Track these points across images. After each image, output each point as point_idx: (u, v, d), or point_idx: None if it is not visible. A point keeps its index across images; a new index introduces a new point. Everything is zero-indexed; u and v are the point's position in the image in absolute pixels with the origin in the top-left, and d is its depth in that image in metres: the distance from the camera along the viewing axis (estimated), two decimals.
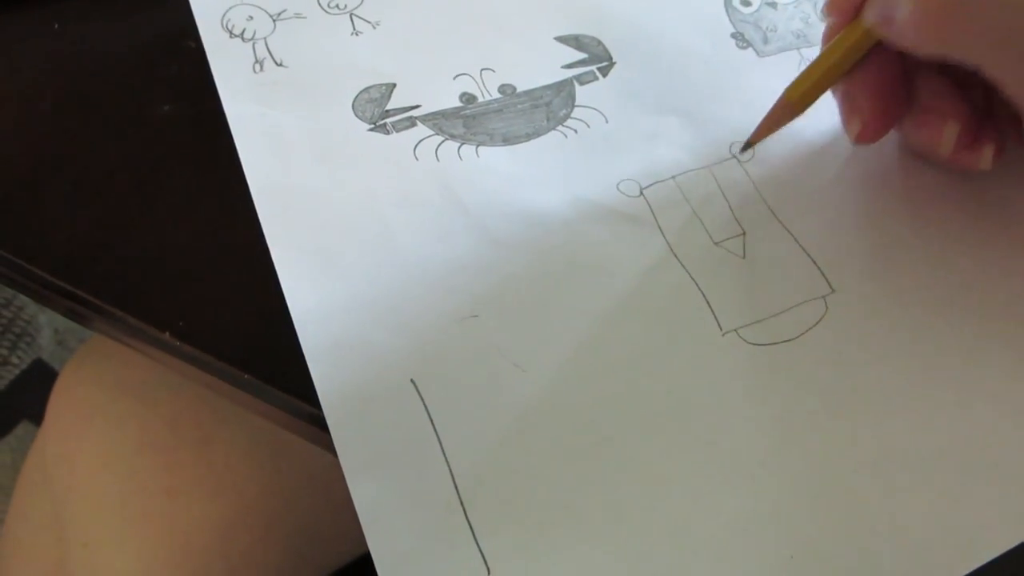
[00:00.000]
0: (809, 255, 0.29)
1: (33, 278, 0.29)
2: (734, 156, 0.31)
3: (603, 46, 0.34)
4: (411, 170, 0.30)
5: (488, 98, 0.32)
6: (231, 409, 0.41)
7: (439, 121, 0.31)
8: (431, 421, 0.25)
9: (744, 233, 0.29)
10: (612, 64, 0.34)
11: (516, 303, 0.27)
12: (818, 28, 0.35)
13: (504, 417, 0.25)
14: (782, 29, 0.35)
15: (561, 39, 0.34)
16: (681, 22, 0.35)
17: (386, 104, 0.32)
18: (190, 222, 0.30)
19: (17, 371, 0.94)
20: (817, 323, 0.27)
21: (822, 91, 0.28)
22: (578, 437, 0.25)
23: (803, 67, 0.33)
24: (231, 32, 0.34)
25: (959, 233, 0.29)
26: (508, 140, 0.31)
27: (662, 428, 0.25)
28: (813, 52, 0.34)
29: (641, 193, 0.30)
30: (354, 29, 0.35)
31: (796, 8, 0.36)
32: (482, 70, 0.33)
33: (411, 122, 0.31)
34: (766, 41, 0.35)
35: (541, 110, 0.32)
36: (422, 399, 0.25)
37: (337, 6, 0.35)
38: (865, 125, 0.28)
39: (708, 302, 0.27)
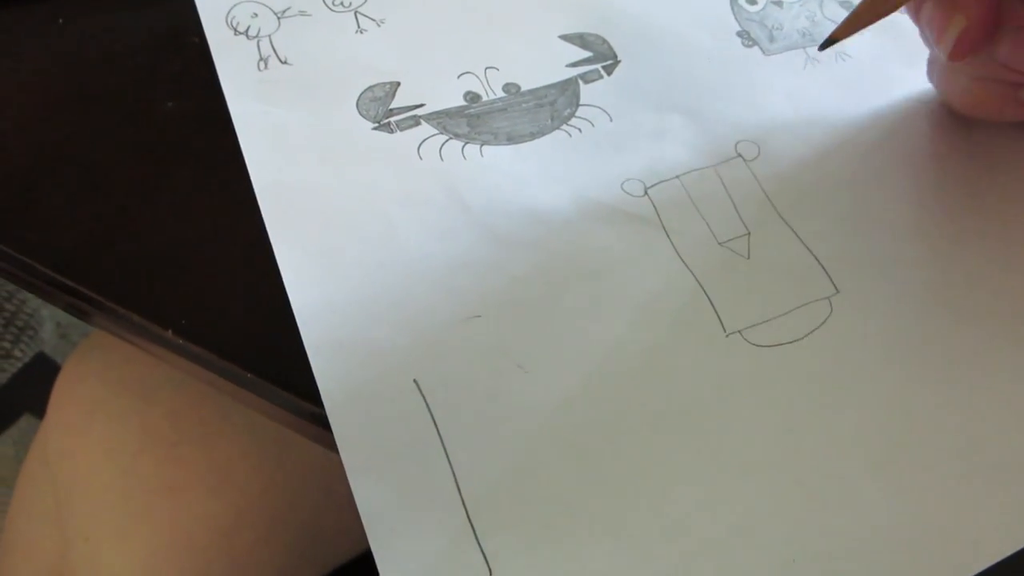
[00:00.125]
0: (814, 255, 0.28)
1: (35, 274, 0.29)
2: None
3: (608, 44, 0.34)
4: (415, 169, 0.30)
5: (492, 97, 0.32)
6: (233, 406, 0.41)
7: (443, 120, 0.31)
8: (433, 421, 0.25)
9: (749, 233, 0.29)
10: (617, 62, 0.34)
11: (520, 303, 0.27)
12: (824, 27, 0.35)
13: (507, 417, 0.25)
14: (788, 28, 0.35)
15: (566, 37, 0.34)
16: (686, 20, 0.35)
17: (390, 103, 0.32)
18: (193, 219, 0.30)
19: (20, 364, 0.95)
20: (821, 324, 0.27)
21: None
22: (580, 437, 0.25)
23: (809, 66, 0.33)
24: (236, 29, 0.34)
25: (963, 234, 0.29)
26: (512, 139, 0.31)
27: (665, 429, 0.25)
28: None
29: (646, 192, 0.30)
30: (359, 27, 0.34)
31: (802, 7, 0.36)
32: (486, 69, 0.33)
33: (415, 121, 0.31)
34: (772, 40, 0.35)
35: (545, 109, 0.32)
36: (424, 399, 0.25)
37: (342, 4, 0.35)
38: (968, 27, 0.25)
39: (712, 303, 0.27)
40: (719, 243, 0.29)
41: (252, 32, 0.34)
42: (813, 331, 0.27)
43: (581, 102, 0.32)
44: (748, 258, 0.28)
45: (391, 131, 0.31)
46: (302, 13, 0.35)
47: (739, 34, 0.35)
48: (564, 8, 0.35)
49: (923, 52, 0.31)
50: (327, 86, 0.32)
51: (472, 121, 0.31)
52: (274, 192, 0.29)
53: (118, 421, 0.41)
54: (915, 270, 0.28)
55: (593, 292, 0.27)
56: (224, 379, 0.28)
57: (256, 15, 0.35)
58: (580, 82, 0.33)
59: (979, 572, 0.23)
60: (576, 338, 0.27)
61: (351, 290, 0.27)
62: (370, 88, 0.32)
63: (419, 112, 0.32)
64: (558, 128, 0.31)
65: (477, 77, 0.33)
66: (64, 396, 0.44)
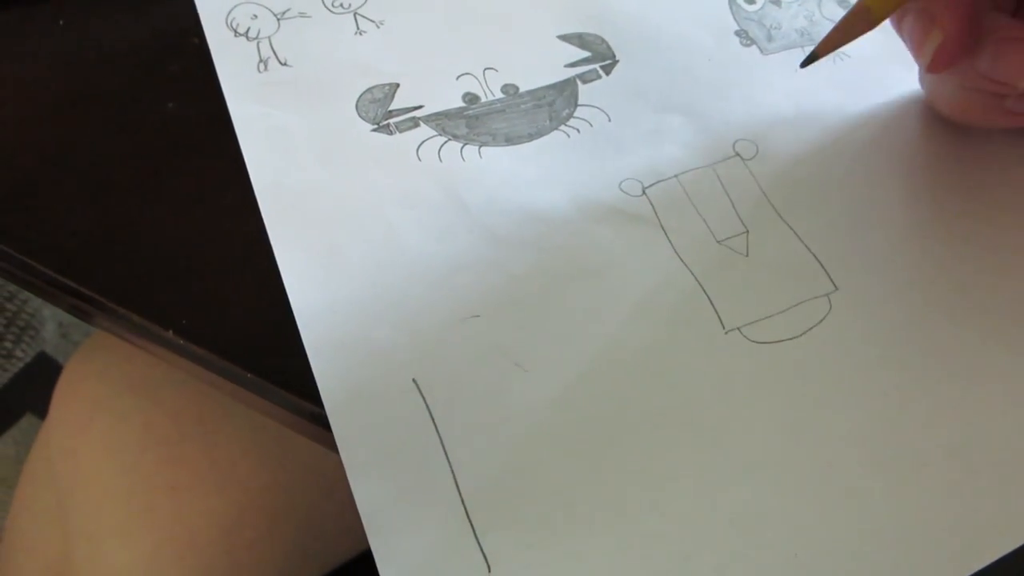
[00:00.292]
0: (812, 253, 0.29)
1: (37, 275, 0.29)
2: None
3: (606, 44, 0.34)
4: (414, 170, 0.30)
5: (491, 98, 0.32)
6: (235, 406, 0.41)
7: (442, 122, 0.32)
8: (432, 420, 0.25)
9: (747, 231, 0.29)
10: (615, 62, 0.34)
11: (518, 303, 0.27)
12: (822, 26, 0.35)
13: (506, 416, 0.25)
14: (786, 27, 0.35)
15: (564, 37, 0.34)
16: (685, 19, 0.35)
17: (389, 104, 0.32)
18: (193, 220, 0.30)
19: (21, 364, 0.95)
20: (820, 321, 0.27)
21: (903, 1, 0.26)
22: (580, 435, 0.25)
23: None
24: (235, 31, 0.34)
25: (962, 231, 0.29)
26: (511, 140, 0.31)
27: (664, 427, 0.25)
28: None
29: (644, 192, 0.30)
30: (358, 28, 0.35)
31: (800, 6, 0.36)
32: (485, 70, 0.33)
33: (414, 122, 0.32)
34: (770, 39, 0.35)
35: (544, 110, 0.32)
36: (424, 398, 0.25)
37: (341, 5, 0.35)
38: (944, 44, 0.26)
39: (711, 300, 0.28)
40: (717, 241, 0.29)
41: (252, 33, 0.34)
42: (812, 328, 0.27)
43: (579, 102, 0.32)
44: (747, 256, 0.29)
45: (390, 132, 0.31)
46: (302, 15, 0.35)
47: (737, 33, 0.35)
48: (562, 8, 0.35)
49: None
50: (327, 88, 0.32)
51: (471, 122, 0.31)
52: (274, 193, 0.30)
53: (120, 420, 0.41)
54: (913, 268, 0.28)
55: (592, 291, 0.28)
56: (225, 379, 0.28)
57: (256, 16, 0.35)
58: (578, 82, 0.33)
59: (979, 569, 0.23)
60: (575, 337, 0.27)
61: (351, 290, 0.27)
62: (369, 90, 0.32)
63: (418, 114, 0.32)
64: (556, 129, 0.32)
65: (476, 78, 0.33)
66: (66, 395, 0.44)
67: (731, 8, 0.36)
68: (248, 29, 0.34)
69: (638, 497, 0.24)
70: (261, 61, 0.33)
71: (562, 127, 0.32)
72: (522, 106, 0.32)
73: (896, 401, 0.26)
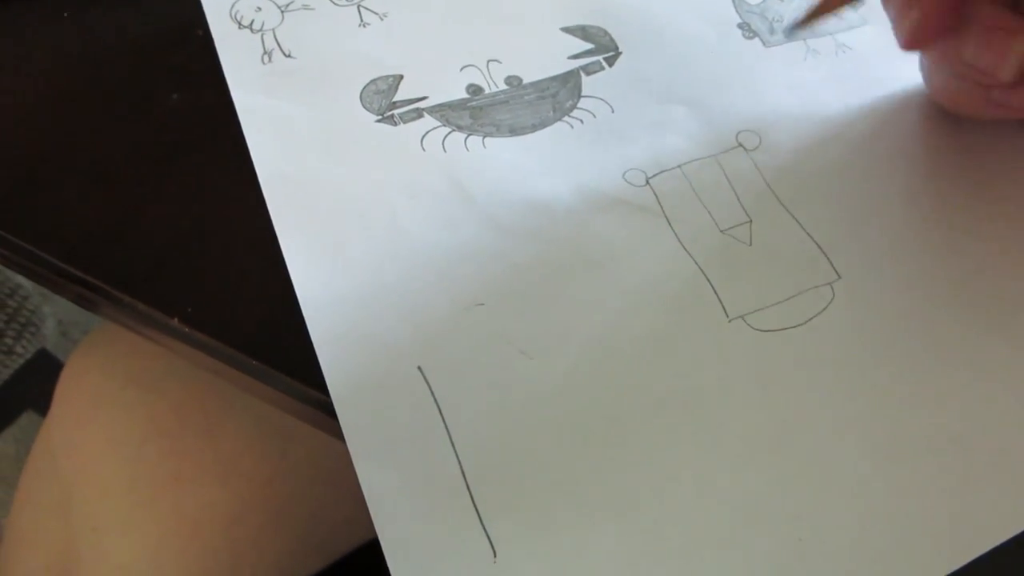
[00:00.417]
0: (815, 242, 0.29)
1: (43, 264, 0.29)
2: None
3: (609, 36, 0.34)
4: (418, 161, 0.30)
5: (495, 90, 0.32)
6: (238, 397, 0.41)
7: (446, 112, 0.32)
8: (438, 407, 0.25)
9: (750, 221, 0.29)
10: (618, 54, 0.34)
11: (522, 291, 0.27)
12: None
13: (510, 404, 0.25)
14: (788, 20, 0.35)
15: (567, 30, 0.34)
16: (687, 12, 0.35)
17: (393, 96, 0.32)
18: (198, 210, 0.30)
19: (22, 360, 0.95)
20: (823, 310, 0.27)
21: None
22: (584, 423, 0.25)
23: (809, 58, 0.34)
24: (239, 23, 0.34)
25: (964, 221, 0.29)
26: (515, 131, 0.31)
27: (669, 414, 0.25)
28: (820, 43, 0.34)
29: (647, 182, 0.30)
30: (362, 20, 0.35)
31: None
32: (489, 62, 0.33)
33: (418, 113, 0.32)
34: (772, 31, 0.35)
35: (547, 101, 0.32)
36: (429, 386, 0.26)
37: None
38: (923, 21, 0.26)
39: (715, 289, 0.28)
40: (721, 231, 0.29)
41: (256, 26, 0.34)
42: (815, 316, 0.27)
43: (583, 93, 0.33)
44: (750, 245, 0.29)
45: (394, 123, 0.31)
46: (305, 7, 0.35)
47: (740, 26, 0.35)
48: (565, 1, 0.35)
49: None
50: (331, 79, 0.33)
51: (475, 113, 0.32)
52: (279, 183, 0.30)
53: (123, 412, 0.41)
54: (915, 257, 0.29)
55: (596, 280, 0.28)
56: (229, 367, 0.28)
57: (260, 9, 0.35)
58: (582, 74, 0.33)
59: (978, 555, 0.23)
60: (579, 325, 0.27)
61: (355, 279, 0.27)
62: (373, 81, 0.32)
63: (422, 105, 0.32)
64: (560, 120, 0.32)
65: (479, 70, 0.33)
66: (69, 389, 0.44)
67: (733, 1, 0.36)
68: (252, 21, 0.34)
69: (642, 483, 0.24)
70: (265, 53, 0.33)
71: (566, 118, 0.32)
72: (526, 97, 0.32)
73: (898, 389, 0.26)
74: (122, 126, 0.32)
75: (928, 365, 0.26)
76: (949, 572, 0.23)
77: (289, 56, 0.33)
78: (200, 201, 0.30)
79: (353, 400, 0.25)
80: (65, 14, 0.35)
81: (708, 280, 0.28)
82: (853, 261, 0.28)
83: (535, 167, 0.30)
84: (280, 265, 0.28)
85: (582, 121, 0.32)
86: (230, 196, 0.30)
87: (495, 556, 0.23)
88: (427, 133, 0.31)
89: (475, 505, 0.24)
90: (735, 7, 0.36)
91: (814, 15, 0.28)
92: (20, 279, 0.96)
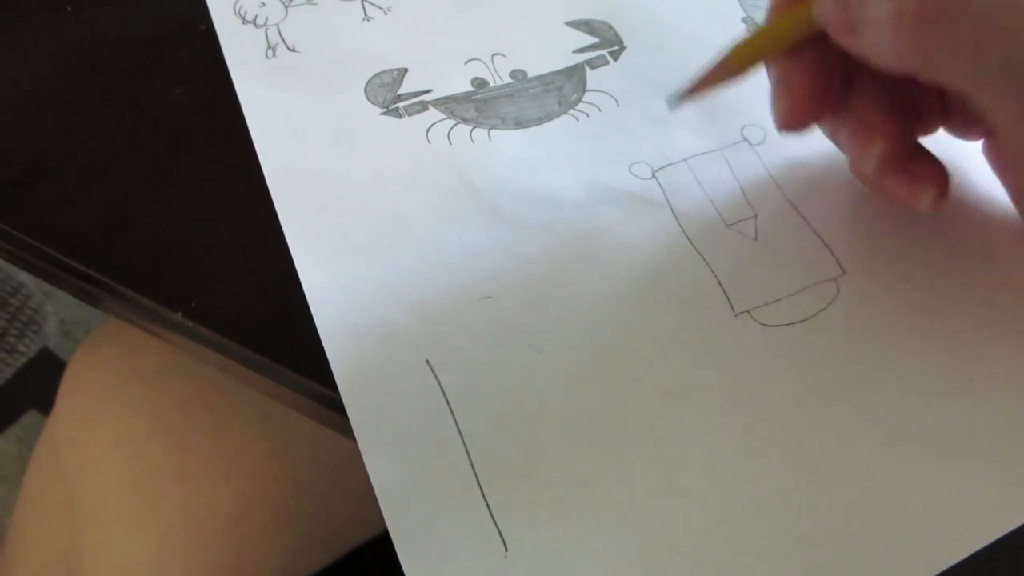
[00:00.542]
0: (820, 237, 0.29)
1: (46, 259, 0.29)
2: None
3: (614, 30, 0.34)
4: (424, 153, 0.30)
5: (499, 83, 0.32)
6: (243, 394, 0.41)
7: (451, 105, 0.32)
8: (447, 401, 0.25)
9: (756, 215, 0.29)
10: (623, 48, 0.34)
11: (530, 285, 0.27)
12: None
13: (519, 397, 0.25)
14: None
15: (572, 24, 0.34)
16: (692, 6, 0.35)
17: (398, 89, 0.32)
18: (202, 204, 0.30)
19: (24, 359, 0.95)
20: (829, 304, 0.27)
21: (763, 59, 0.27)
22: (592, 416, 0.25)
23: None
24: (243, 18, 0.34)
25: (970, 214, 0.29)
26: (520, 124, 0.31)
27: (675, 408, 0.25)
28: None
29: (653, 175, 0.30)
30: (365, 15, 0.35)
31: None
32: (493, 55, 0.33)
33: (423, 106, 0.32)
34: None
35: (552, 94, 0.32)
36: (437, 379, 0.25)
37: None
38: (792, 108, 0.26)
39: (720, 284, 0.28)
40: (727, 225, 0.29)
41: (260, 21, 0.34)
42: (821, 311, 0.27)
43: (588, 87, 0.32)
44: (755, 240, 0.29)
45: (399, 116, 0.31)
46: (309, 2, 0.35)
47: (744, 20, 0.35)
48: None
49: None
50: (335, 73, 0.33)
51: (480, 106, 0.32)
52: (284, 177, 0.30)
53: (128, 409, 0.41)
54: (919, 251, 0.28)
55: (602, 273, 0.28)
56: (234, 362, 0.28)
57: (264, 4, 0.35)
58: (587, 68, 0.33)
59: (983, 547, 0.23)
60: (586, 318, 0.27)
61: (363, 273, 0.27)
62: (378, 74, 0.32)
63: (427, 98, 0.32)
64: (565, 113, 0.32)
65: (484, 63, 0.33)
66: (73, 386, 0.44)
67: None
68: (256, 16, 0.34)
69: (650, 477, 0.24)
70: (269, 47, 0.33)
71: (571, 111, 0.32)
72: (531, 91, 0.32)
73: (903, 382, 0.26)
74: (125, 121, 0.32)
75: (933, 359, 0.26)
76: (953, 564, 0.23)
77: (293, 50, 0.33)
78: (203, 195, 0.30)
79: (361, 394, 0.25)
80: (68, 8, 0.35)
81: (714, 274, 0.28)
82: (858, 256, 0.28)
83: (541, 160, 0.30)
84: (285, 259, 0.28)
85: (587, 115, 0.32)
86: (233, 190, 0.30)
87: (506, 549, 0.23)
88: (432, 126, 0.31)
89: (485, 498, 0.24)
90: (739, 1, 0.35)
91: (697, 89, 0.28)
92: (22, 278, 0.96)
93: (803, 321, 0.27)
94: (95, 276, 0.29)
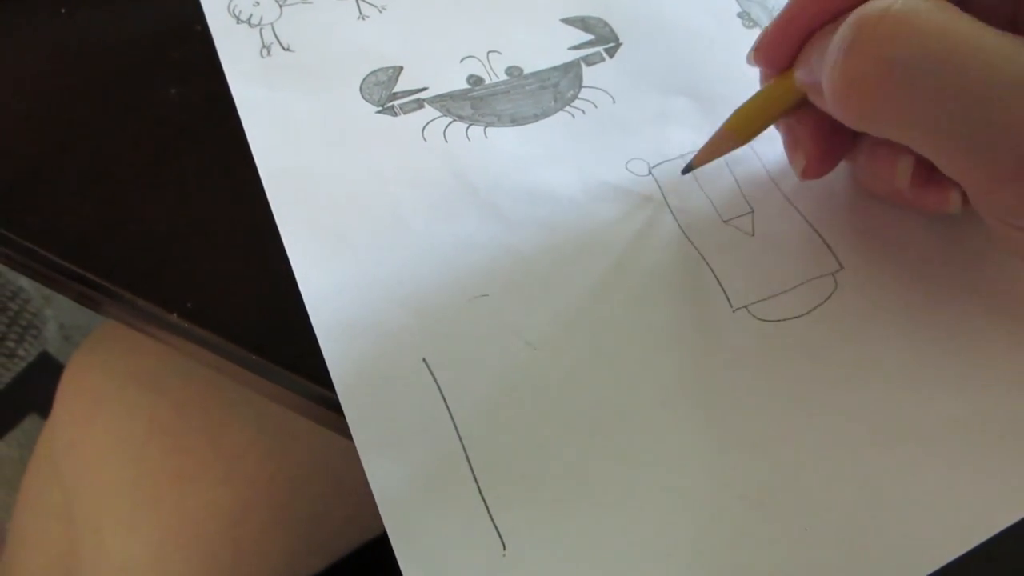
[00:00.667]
0: (818, 232, 0.29)
1: (42, 261, 0.29)
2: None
3: (609, 27, 0.34)
4: (420, 151, 0.30)
5: (495, 80, 0.32)
6: (240, 396, 0.41)
7: (447, 103, 0.31)
8: (443, 399, 0.25)
9: (752, 211, 0.29)
10: (619, 45, 0.34)
11: (526, 282, 0.27)
12: None
13: (516, 395, 0.25)
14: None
15: (567, 20, 0.34)
16: (687, 2, 0.35)
17: (393, 87, 0.32)
18: (198, 205, 0.30)
19: (24, 363, 0.94)
20: (827, 299, 0.27)
21: (765, 125, 0.28)
22: (590, 414, 0.25)
23: None
24: (238, 18, 0.34)
25: (967, 210, 0.29)
26: (516, 121, 0.31)
27: (674, 404, 0.25)
28: None
29: (650, 172, 0.30)
30: (360, 13, 0.35)
31: None
32: (489, 52, 0.33)
33: (419, 104, 0.31)
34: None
35: (548, 91, 0.32)
36: (434, 378, 0.25)
37: None
38: (808, 163, 0.27)
39: (718, 279, 0.28)
40: (724, 221, 0.29)
41: (254, 20, 0.34)
42: (818, 306, 0.27)
43: (584, 84, 0.32)
44: (752, 235, 0.29)
45: (395, 114, 0.31)
46: (303, 1, 0.35)
47: (740, 15, 0.35)
48: None
49: None
50: (330, 72, 0.32)
51: (475, 103, 0.31)
52: (279, 176, 0.30)
53: (125, 413, 0.41)
54: (916, 245, 0.28)
55: (599, 270, 0.28)
56: (231, 362, 0.28)
57: (258, 3, 0.35)
58: (582, 64, 0.33)
59: (983, 540, 0.23)
60: (583, 315, 0.27)
61: (359, 272, 0.27)
62: (373, 72, 0.32)
63: (422, 95, 0.32)
64: (561, 110, 0.32)
65: (480, 61, 0.33)
66: (71, 389, 0.44)
67: None
68: (250, 16, 0.34)
69: (649, 474, 0.24)
70: (264, 47, 0.33)
71: (567, 108, 0.32)
72: (527, 87, 0.32)
73: (901, 377, 0.26)
74: (120, 122, 0.32)
75: (931, 354, 0.26)
76: (955, 557, 0.23)
77: (288, 50, 0.33)
78: (199, 196, 0.30)
79: (358, 393, 0.25)
80: (62, 10, 0.35)
81: (712, 270, 0.28)
82: (855, 251, 0.28)
83: (537, 157, 0.30)
84: (281, 259, 0.28)
85: (584, 111, 0.32)
86: (229, 191, 0.30)
87: (504, 548, 0.23)
88: (428, 123, 0.31)
89: (483, 497, 0.24)
90: None
91: (704, 158, 0.29)
92: (22, 282, 0.96)
93: (801, 316, 0.27)
94: (92, 279, 0.29)
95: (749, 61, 0.27)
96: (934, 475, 0.24)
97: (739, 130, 0.28)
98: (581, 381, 0.25)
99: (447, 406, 0.25)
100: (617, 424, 0.25)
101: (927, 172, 0.25)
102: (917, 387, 0.26)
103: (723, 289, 0.27)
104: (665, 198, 0.29)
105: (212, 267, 0.29)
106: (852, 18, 0.21)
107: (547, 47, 0.33)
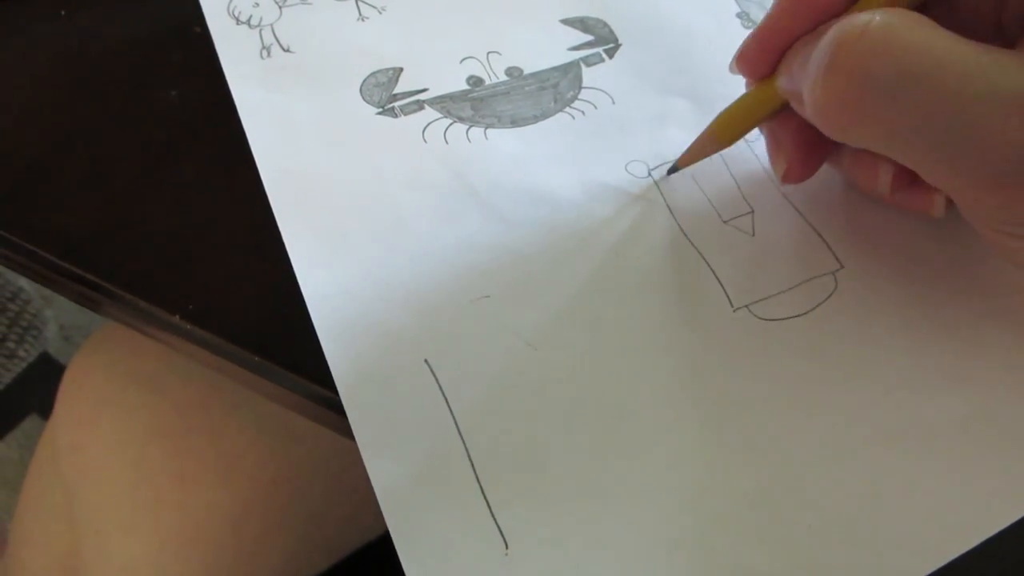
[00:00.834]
0: (817, 232, 0.29)
1: (42, 262, 0.29)
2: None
3: (609, 28, 0.34)
4: (420, 152, 0.30)
5: (495, 81, 0.32)
6: (241, 397, 0.41)
7: (447, 104, 0.32)
8: (445, 400, 0.25)
9: (752, 211, 0.29)
10: (618, 46, 0.34)
11: (527, 283, 0.27)
12: None
13: (517, 395, 0.25)
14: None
15: (567, 21, 0.34)
16: (686, 3, 0.35)
17: (393, 88, 0.32)
18: (199, 206, 0.30)
19: (24, 364, 0.95)
20: (827, 298, 0.27)
21: (748, 130, 0.28)
22: (591, 414, 0.25)
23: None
24: (237, 19, 0.34)
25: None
26: (516, 122, 0.31)
27: (675, 404, 0.25)
28: None
29: (649, 173, 0.30)
30: (360, 14, 0.35)
31: None
32: (489, 53, 0.33)
33: (419, 105, 0.32)
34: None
35: (548, 92, 0.32)
36: (436, 378, 0.25)
37: None
38: (790, 167, 0.27)
39: (719, 279, 0.28)
40: (723, 221, 0.29)
41: (254, 21, 0.34)
42: (819, 305, 0.27)
43: (584, 85, 0.32)
44: (752, 235, 0.29)
45: (395, 115, 0.31)
46: (303, 2, 0.35)
47: (739, 15, 0.35)
48: None
49: None
50: (330, 73, 0.32)
51: (475, 105, 0.32)
52: (280, 178, 0.30)
53: (126, 413, 0.41)
54: (916, 244, 0.28)
55: (600, 271, 0.28)
56: (232, 364, 0.28)
57: (258, 4, 0.35)
58: (582, 65, 0.33)
59: (986, 538, 0.23)
60: (584, 316, 0.27)
61: (360, 273, 0.27)
62: (373, 74, 0.32)
63: (422, 97, 0.32)
64: (561, 111, 0.32)
65: (479, 61, 0.33)
66: (72, 390, 0.44)
67: None
68: (250, 17, 0.34)
69: (650, 472, 0.24)
70: (264, 48, 0.33)
71: (567, 109, 0.32)
72: (526, 88, 0.32)
73: (902, 375, 0.26)
74: (121, 124, 0.32)
75: (931, 352, 0.26)
76: (957, 555, 0.23)
77: (288, 51, 0.33)
78: (200, 197, 0.30)
79: (360, 393, 0.25)
80: (62, 12, 0.35)
81: (712, 270, 0.28)
82: (855, 250, 0.28)
83: (538, 158, 0.30)
84: (282, 260, 0.28)
85: (583, 112, 0.32)
86: (230, 192, 0.30)
87: (507, 547, 0.23)
88: (428, 125, 0.31)
89: (485, 497, 0.24)
90: None
91: (689, 159, 0.29)
92: (22, 283, 0.96)
93: (801, 315, 0.27)
94: (93, 280, 0.29)
95: (731, 69, 0.27)
96: (934, 474, 0.24)
97: (722, 134, 0.28)
98: (582, 381, 0.26)
99: (449, 406, 0.25)
100: (618, 423, 0.25)
101: (910, 177, 0.25)
102: (917, 386, 0.26)
103: (723, 289, 0.27)
104: (665, 199, 0.29)
105: (213, 268, 0.29)
106: (832, 34, 0.21)
107: (547, 48, 0.33)
